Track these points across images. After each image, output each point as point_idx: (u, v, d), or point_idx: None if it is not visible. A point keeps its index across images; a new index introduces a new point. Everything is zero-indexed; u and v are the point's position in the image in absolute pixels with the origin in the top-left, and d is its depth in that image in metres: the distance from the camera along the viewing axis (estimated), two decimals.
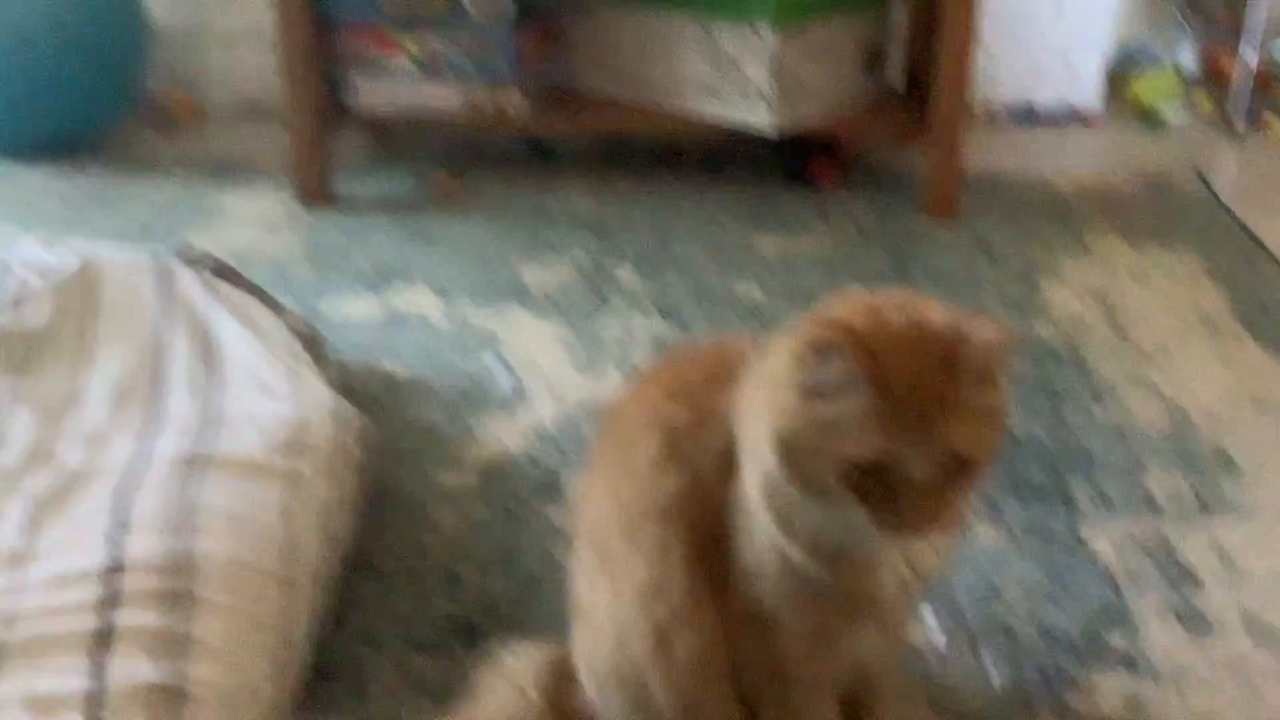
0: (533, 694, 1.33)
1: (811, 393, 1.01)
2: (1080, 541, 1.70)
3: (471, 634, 1.57)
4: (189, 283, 1.85)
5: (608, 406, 1.34)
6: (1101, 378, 2.05)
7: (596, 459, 1.28)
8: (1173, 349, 2.12)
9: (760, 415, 1.06)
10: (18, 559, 1.34)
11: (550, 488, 1.83)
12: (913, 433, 0.99)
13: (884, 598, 1.12)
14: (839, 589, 1.10)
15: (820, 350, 0.99)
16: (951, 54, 2.53)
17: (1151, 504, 1.77)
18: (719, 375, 1.18)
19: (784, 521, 1.08)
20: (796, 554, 1.08)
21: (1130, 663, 1.51)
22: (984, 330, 1.00)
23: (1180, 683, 1.48)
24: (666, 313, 2.28)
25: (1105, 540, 1.70)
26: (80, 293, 1.76)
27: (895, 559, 1.11)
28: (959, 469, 1.01)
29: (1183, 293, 2.31)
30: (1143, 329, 2.19)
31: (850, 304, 1.06)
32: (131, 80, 3.11)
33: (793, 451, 1.02)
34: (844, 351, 0.99)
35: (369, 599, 1.63)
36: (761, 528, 1.10)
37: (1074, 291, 2.32)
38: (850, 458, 1.00)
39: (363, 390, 2.00)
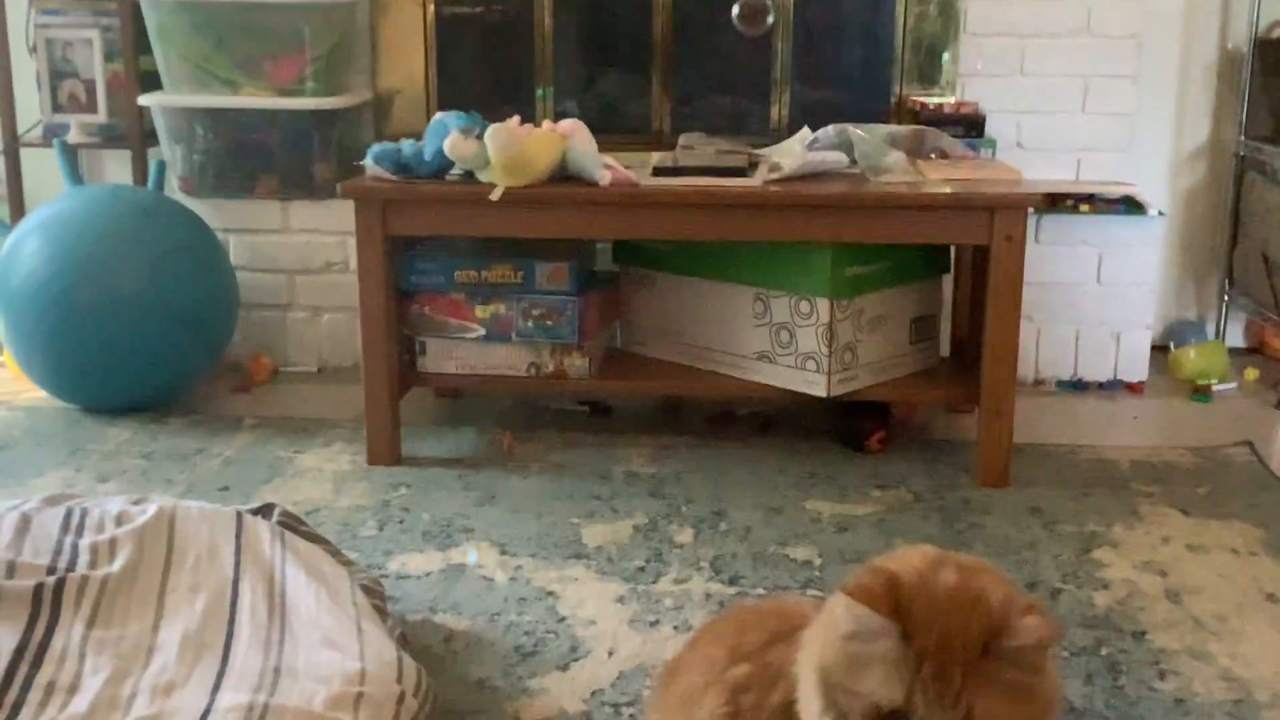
0: None
1: (851, 635, 1.07)
2: None
3: None
4: (261, 534, 1.92)
5: (668, 664, 1.36)
6: (1160, 649, 2.03)
7: (653, 715, 1.30)
8: (1232, 621, 2.11)
9: (810, 654, 1.12)
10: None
11: None
12: (932, 691, 1.03)
13: None
14: None
15: (861, 596, 1.05)
16: (998, 326, 2.62)
17: None
18: (780, 633, 1.22)
19: None
20: None
21: None
22: (1032, 622, 1.05)
23: None
24: (723, 573, 2.30)
25: None
26: (160, 542, 1.83)
27: None
28: None
29: (1240, 564, 2.30)
30: (1201, 601, 2.18)
31: (914, 556, 1.12)
32: (217, 346, 3.28)
33: (829, 686, 1.07)
34: (881, 600, 1.04)
35: None
36: None
37: (1130, 561, 2.32)
38: (874, 701, 1.04)
39: (420, 644, 2.02)
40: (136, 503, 1.96)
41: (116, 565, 1.76)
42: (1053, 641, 1.05)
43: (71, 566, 1.76)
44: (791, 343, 2.79)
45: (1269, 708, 1.88)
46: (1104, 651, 2.03)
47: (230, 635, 1.68)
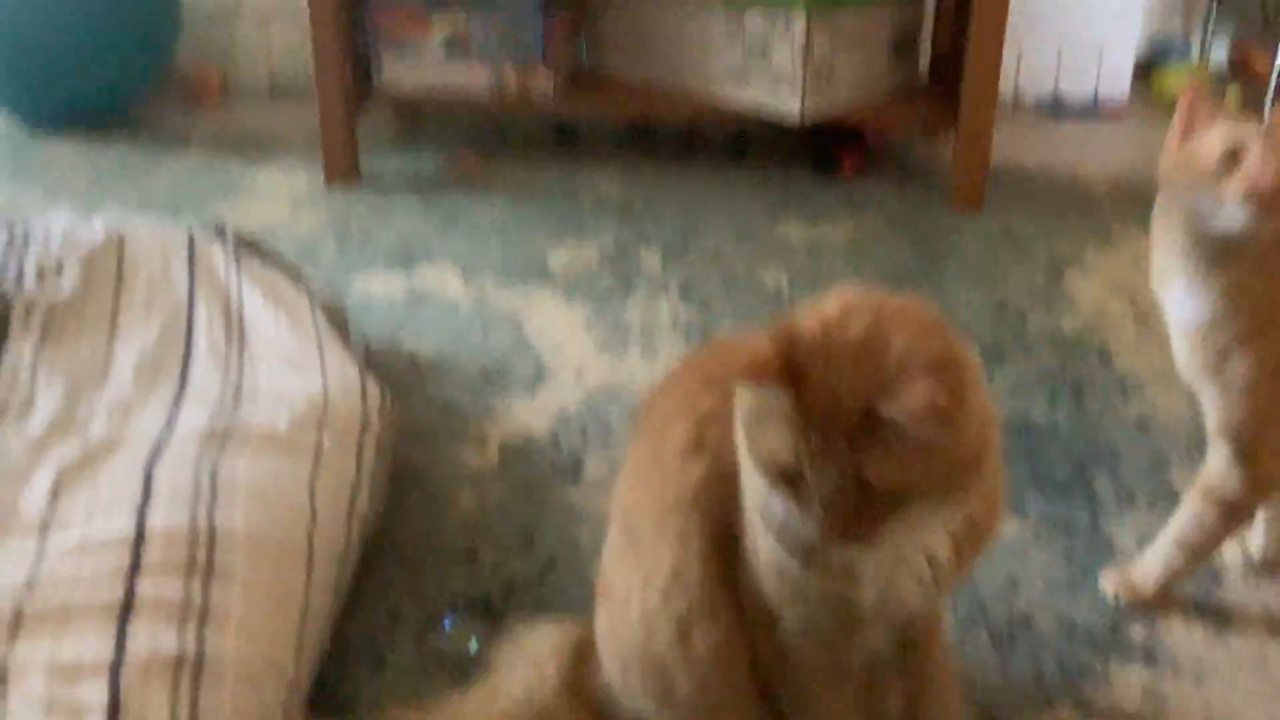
0: (550, 672, 1.33)
1: (756, 397, 1.03)
2: (1103, 536, 1.69)
3: (490, 613, 1.58)
4: (216, 256, 1.85)
5: (647, 393, 1.34)
6: (1126, 371, 2.04)
7: (633, 444, 1.29)
8: None
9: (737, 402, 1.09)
10: (43, 527, 1.35)
11: (571, 469, 1.83)
12: (816, 455, 0.99)
13: (864, 600, 1.12)
14: (821, 589, 1.10)
15: (751, 364, 1.01)
16: (981, 45, 2.51)
17: (1174, 499, 1.75)
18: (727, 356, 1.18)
19: (761, 512, 1.09)
20: (775, 548, 1.09)
21: (1150, 656, 1.51)
22: (918, 390, 0.97)
23: (1200, 676, 1.48)
24: (691, 298, 2.28)
25: (1127, 534, 1.69)
26: (109, 263, 1.77)
27: (881, 564, 1.09)
28: (875, 494, 1.00)
29: None
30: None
31: (832, 304, 1.05)
32: (161, 55, 3.12)
33: (746, 439, 1.05)
34: (770, 366, 1.00)
35: (389, 577, 1.64)
36: (753, 520, 1.11)
37: (1100, 284, 2.31)
38: (776, 460, 1.02)
39: (386, 368, 2.00)
40: (85, 222, 1.88)
41: (65, 285, 1.71)
42: (942, 414, 0.97)
43: (18, 285, 1.70)
44: (765, 61, 2.66)
45: None
46: (1069, 374, 2.04)
47: (187, 357, 1.64)
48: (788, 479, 1.02)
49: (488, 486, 1.80)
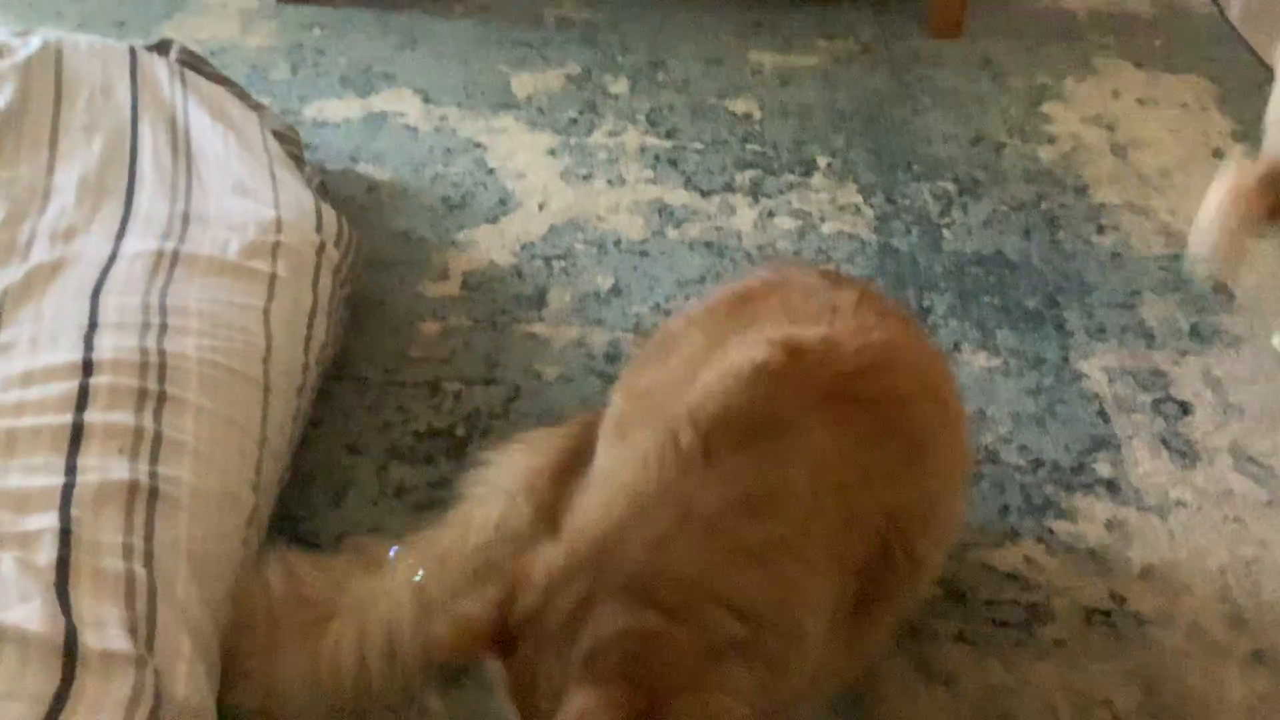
0: (522, 500, 1.32)
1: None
2: (1071, 369, 1.68)
3: (452, 443, 1.56)
4: (160, 73, 1.76)
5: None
6: (1101, 203, 2.00)
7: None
8: (1176, 176, 2.07)
9: None
10: None
11: (534, 300, 1.79)
12: None
13: None
14: None
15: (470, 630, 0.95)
16: None
17: (1145, 333, 1.74)
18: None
19: None
20: None
21: (1115, 490, 1.51)
22: (578, 704, 0.86)
23: (1165, 511, 1.48)
24: (659, 126, 2.20)
25: (1097, 368, 1.68)
26: (46, 78, 1.67)
27: None
28: None
29: (1190, 119, 2.24)
30: (1146, 155, 2.13)
31: (554, 560, 0.95)
32: None
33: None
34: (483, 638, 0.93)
35: (350, 407, 1.60)
36: None
37: (1078, 115, 2.24)
38: None
39: (342, 196, 1.93)
40: (19, 35, 1.77)
41: (0, 99, 1.61)
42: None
43: None
44: None
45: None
46: (1044, 206, 2.00)
47: (132, 180, 1.57)
48: None
49: (450, 317, 1.76)
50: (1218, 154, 2.13)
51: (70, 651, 1.02)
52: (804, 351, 1.06)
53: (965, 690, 1.30)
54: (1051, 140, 2.17)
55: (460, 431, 1.57)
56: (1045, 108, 2.27)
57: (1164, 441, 1.57)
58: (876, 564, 1.05)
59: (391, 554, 1.26)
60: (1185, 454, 1.56)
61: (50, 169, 1.56)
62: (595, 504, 1.01)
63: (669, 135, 2.18)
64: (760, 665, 0.93)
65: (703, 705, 0.88)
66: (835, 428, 1.03)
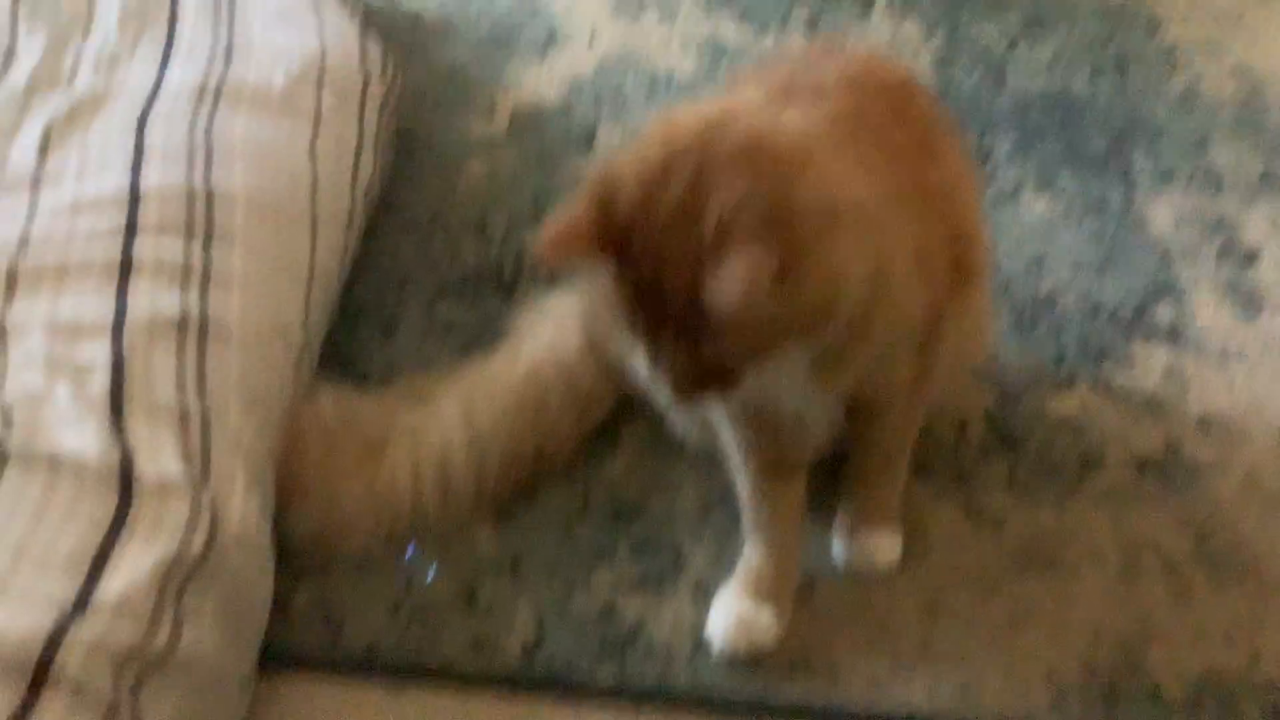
0: (573, 332, 1.32)
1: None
2: (1135, 214, 1.63)
3: (499, 283, 1.54)
4: None
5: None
6: (1174, 43, 1.91)
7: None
8: (1250, 16, 1.97)
9: None
10: (34, 183, 1.29)
11: (584, 138, 1.75)
12: (645, 333, 0.91)
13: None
14: None
15: (562, 237, 0.91)
16: None
17: (1214, 178, 1.68)
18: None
19: None
20: None
21: (1175, 337, 1.48)
22: (732, 273, 0.84)
23: (1225, 360, 1.45)
24: None
25: (1162, 213, 1.63)
26: None
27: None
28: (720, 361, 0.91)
29: None
30: None
31: (653, 146, 0.91)
32: None
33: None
34: (584, 236, 0.90)
35: (398, 245, 1.59)
36: None
37: None
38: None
39: (386, 29, 1.88)
40: None
41: None
42: (765, 290, 0.83)
43: None
44: None
45: (1276, 104, 1.80)
46: (1114, 44, 1.91)
47: (174, 8, 1.53)
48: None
49: (498, 155, 1.72)
50: None
51: (126, 478, 1.04)
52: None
53: (1013, 535, 1.30)
54: None
55: (508, 271, 1.56)
56: None
57: (1228, 290, 1.53)
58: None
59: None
60: (1249, 303, 1.52)
61: None
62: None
63: None
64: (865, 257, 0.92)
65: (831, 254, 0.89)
66: None
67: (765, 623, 1.19)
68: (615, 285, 0.91)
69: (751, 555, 1.22)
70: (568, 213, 0.91)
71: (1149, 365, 1.45)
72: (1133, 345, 1.47)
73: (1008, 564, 1.28)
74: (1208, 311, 1.51)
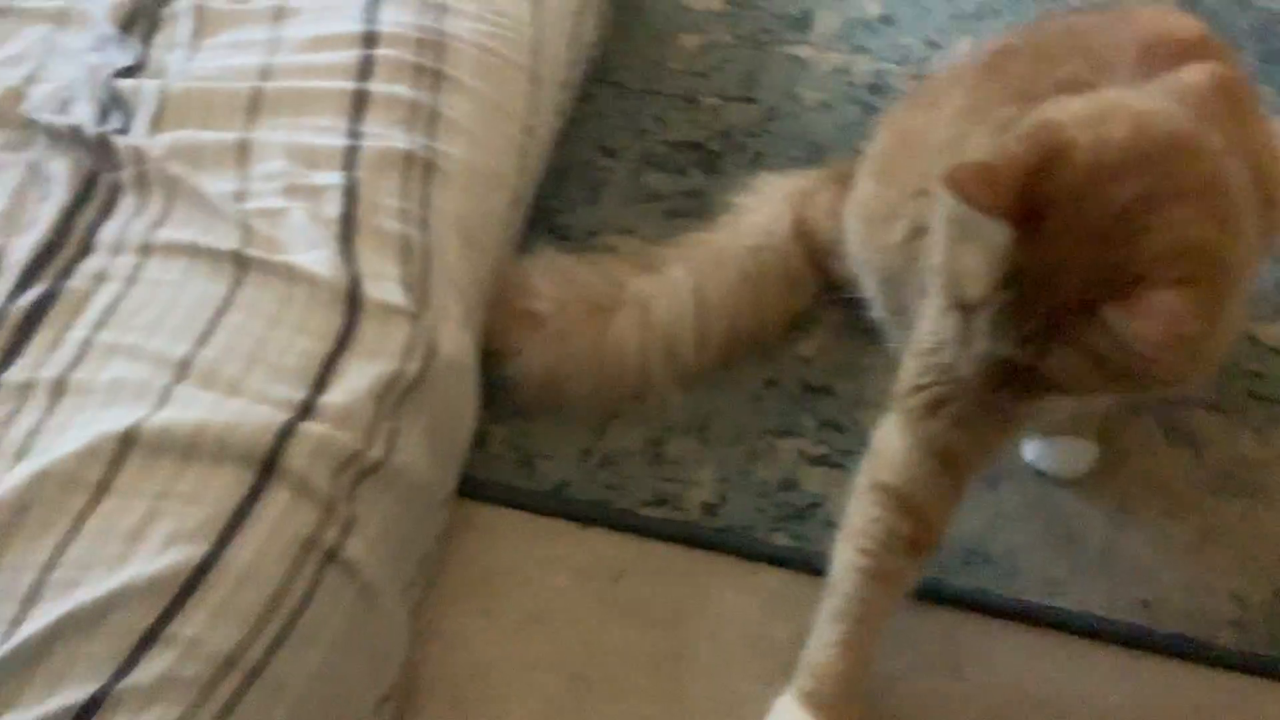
0: (786, 211, 1.33)
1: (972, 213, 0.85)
2: None
3: (706, 156, 1.55)
4: None
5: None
6: None
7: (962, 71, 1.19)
8: None
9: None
10: (277, 15, 1.34)
11: (800, 21, 1.73)
12: (1007, 311, 0.85)
13: None
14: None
15: (968, 180, 0.83)
16: None
17: None
18: (1066, 84, 0.99)
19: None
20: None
21: None
22: (1156, 315, 0.78)
23: None
24: None
25: None
26: None
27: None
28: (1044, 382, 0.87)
29: None
30: None
31: (1119, 129, 0.85)
32: None
33: (943, 251, 0.90)
34: (992, 187, 0.82)
35: (610, 112, 1.61)
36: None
37: None
38: (956, 286, 0.87)
39: None
40: None
41: None
42: (1179, 344, 0.79)
43: None
44: None
45: None
46: None
47: None
48: (965, 310, 0.89)
49: (712, 31, 1.72)
50: None
51: (354, 298, 1.09)
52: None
53: (1212, 457, 1.27)
54: None
55: (715, 146, 1.56)
56: None
57: None
58: None
59: None
60: None
61: None
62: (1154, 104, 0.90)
63: None
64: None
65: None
66: None
67: None
68: (998, 254, 0.85)
69: (820, 654, 1.06)
70: (1001, 153, 0.85)
71: None
72: None
73: (1203, 483, 1.25)
74: None
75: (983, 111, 1.04)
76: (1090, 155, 0.84)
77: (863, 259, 1.26)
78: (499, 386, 1.27)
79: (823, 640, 1.04)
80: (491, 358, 1.25)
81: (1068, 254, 0.83)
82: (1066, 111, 0.89)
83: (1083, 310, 0.83)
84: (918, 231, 1.09)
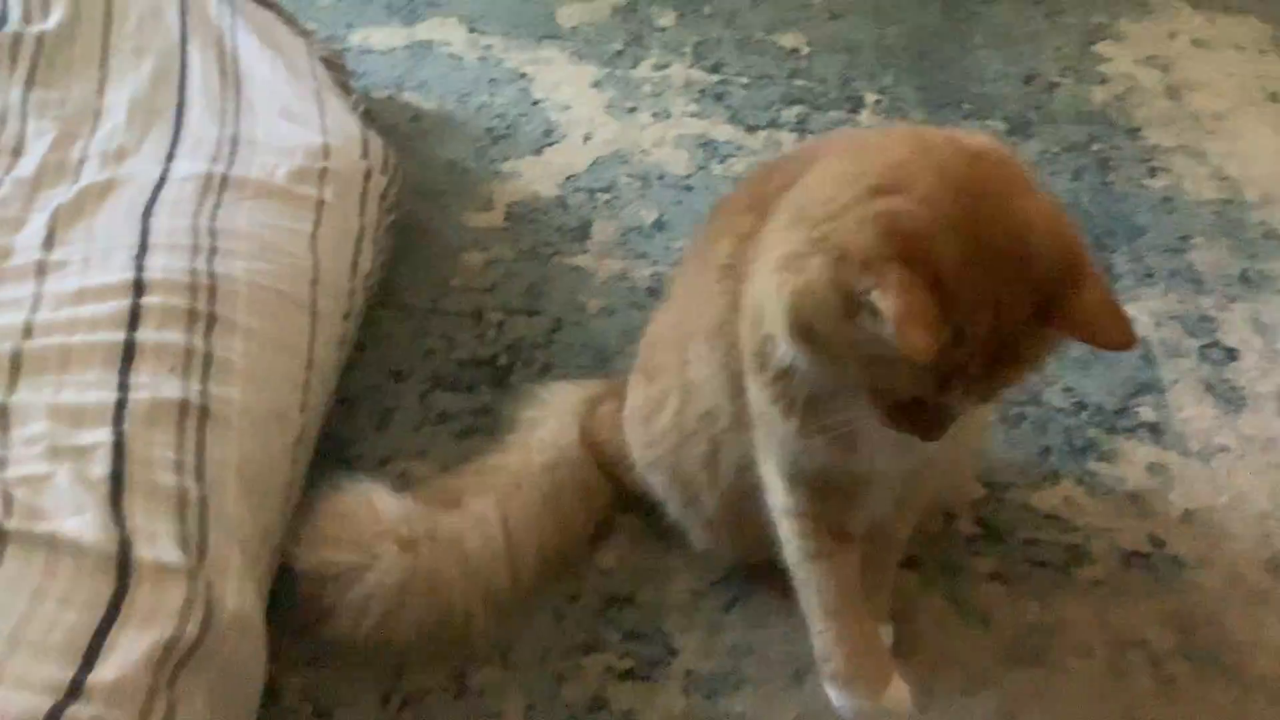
0: (573, 425, 1.35)
1: (853, 304, 0.85)
2: None
3: (495, 372, 1.57)
4: None
5: (715, 204, 1.29)
6: (1153, 146, 1.97)
7: (686, 257, 1.26)
8: (1230, 120, 2.03)
9: (781, 278, 0.91)
10: (40, 271, 1.31)
11: (578, 233, 1.79)
12: (969, 386, 0.89)
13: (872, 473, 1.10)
14: (811, 453, 1.06)
15: (852, 266, 0.85)
16: None
17: (1194, 278, 1.72)
18: (774, 174, 1.08)
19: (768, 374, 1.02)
20: (769, 405, 1.04)
21: (1158, 434, 1.50)
22: (1092, 302, 0.88)
23: (1207, 455, 1.48)
24: (705, 59, 2.18)
25: (1144, 312, 1.66)
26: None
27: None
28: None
29: (1246, 61, 2.19)
30: (1201, 98, 2.09)
31: (928, 181, 0.88)
32: None
33: (813, 339, 0.91)
34: (894, 274, 0.83)
35: (397, 335, 1.62)
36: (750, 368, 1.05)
37: (1133, 55, 2.21)
38: (893, 388, 0.91)
39: (387, 123, 1.93)
40: None
41: (51, 22, 1.62)
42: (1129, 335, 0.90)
43: (2, 21, 1.61)
44: None
45: (1258, 207, 1.85)
46: (1095, 147, 1.97)
47: (182, 102, 1.57)
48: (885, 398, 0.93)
49: (493, 248, 1.76)
50: (1274, 98, 2.09)
51: (124, 562, 1.04)
52: None
53: (1000, 628, 1.31)
54: (1105, 81, 2.14)
55: (503, 361, 1.58)
56: (1099, 48, 2.23)
57: (1209, 387, 1.56)
58: None
59: None
60: (1230, 400, 1.54)
61: (101, 90, 1.57)
62: None
63: (715, 69, 2.16)
64: None
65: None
66: None
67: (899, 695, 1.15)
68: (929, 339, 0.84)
69: (829, 640, 1.17)
70: (900, 297, 0.83)
71: (1133, 460, 1.47)
72: (1117, 440, 1.49)
73: (997, 656, 1.29)
74: (1190, 408, 1.53)
75: (727, 243, 1.08)
76: (928, 208, 0.86)
77: (649, 461, 1.28)
78: (292, 633, 1.23)
79: (825, 634, 1.16)
80: (283, 607, 1.21)
81: (995, 297, 0.86)
82: (859, 199, 0.89)
83: (1024, 333, 0.88)
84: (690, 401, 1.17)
